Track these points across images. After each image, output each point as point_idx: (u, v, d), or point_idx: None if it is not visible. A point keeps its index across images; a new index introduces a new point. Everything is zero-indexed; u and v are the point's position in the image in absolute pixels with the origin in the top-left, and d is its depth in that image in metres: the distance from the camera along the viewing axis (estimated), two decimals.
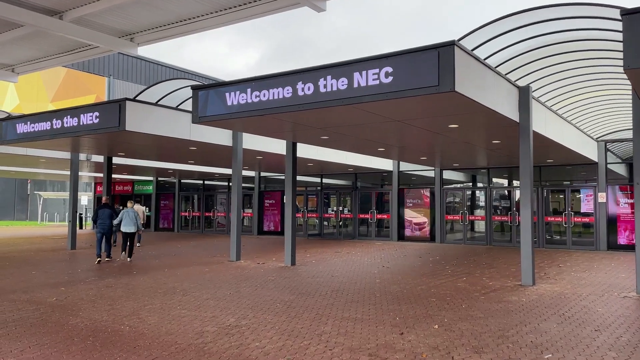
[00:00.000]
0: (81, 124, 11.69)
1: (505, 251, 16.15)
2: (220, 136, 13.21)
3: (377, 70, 7.64)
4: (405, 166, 20.49)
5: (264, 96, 8.82)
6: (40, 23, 9.74)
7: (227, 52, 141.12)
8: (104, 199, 14.27)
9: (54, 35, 11.22)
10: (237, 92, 9.18)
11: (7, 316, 6.96)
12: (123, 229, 13.58)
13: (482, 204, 19.22)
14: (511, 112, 9.15)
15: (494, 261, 13.30)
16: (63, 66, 38.32)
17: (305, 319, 6.71)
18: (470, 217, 19.01)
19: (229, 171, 23.10)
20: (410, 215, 20.16)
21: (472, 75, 7.54)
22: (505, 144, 12.20)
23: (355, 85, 7.84)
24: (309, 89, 8.32)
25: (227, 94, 9.32)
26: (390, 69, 7.52)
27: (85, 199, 33.79)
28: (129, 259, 13.71)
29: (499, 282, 9.84)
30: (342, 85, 7.96)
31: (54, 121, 12.26)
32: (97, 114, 11.43)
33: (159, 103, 12.15)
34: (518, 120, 9.47)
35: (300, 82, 8.42)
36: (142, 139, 12.19)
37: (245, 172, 23.62)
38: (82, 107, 11.76)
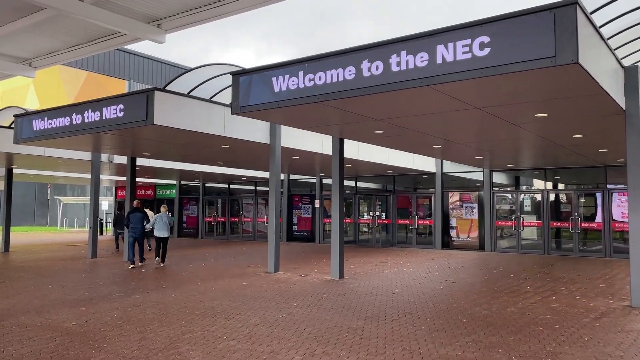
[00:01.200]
0: (104, 118, 10.36)
1: (572, 262, 14.41)
2: (257, 133, 11.79)
3: (468, 42, 6.12)
4: (449, 167, 18.86)
5: (320, 79, 7.36)
6: (60, 4, 8.47)
7: (253, 61, 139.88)
8: (135, 202, 13.88)
9: (74, 23, 9.96)
10: (287, 76, 7.73)
11: (15, 349, 5.57)
12: (156, 233, 13.38)
13: (528, 208, 17.46)
14: (618, 96, 7.55)
15: (571, 274, 11.61)
16: (83, 69, 37.56)
17: (392, 358, 5.19)
18: (524, 223, 17.26)
19: (255, 174, 21.74)
20: (456, 221, 18.50)
21: (590, 46, 5.97)
22: (587, 139, 10.55)
23: (439, 60, 6.33)
24: (377, 68, 6.83)
25: (274, 79, 7.88)
26: (486, 39, 5.98)
27: (105, 203, 32.76)
28: (162, 264, 13.47)
29: (599, 302, 8.19)
30: (422, 61, 6.46)
31: (74, 116, 10.96)
32: (121, 106, 10.09)
33: (190, 94, 10.78)
34: (624, 107, 7.85)
35: (366, 60, 6.94)
36: (171, 135, 10.81)
37: (267, 174, 22.21)
38: (105, 100, 10.43)
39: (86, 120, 10.70)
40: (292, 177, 23.02)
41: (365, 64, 6.96)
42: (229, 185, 25.46)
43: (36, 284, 10.33)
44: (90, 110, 10.66)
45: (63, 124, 11.17)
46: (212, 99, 11.46)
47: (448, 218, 18.70)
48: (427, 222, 19.16)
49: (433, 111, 7.89)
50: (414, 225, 19.32)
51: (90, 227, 15.87)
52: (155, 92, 9.63)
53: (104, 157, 16.47)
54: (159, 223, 13.36)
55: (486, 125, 9.05)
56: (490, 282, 10.44)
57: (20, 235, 29.49)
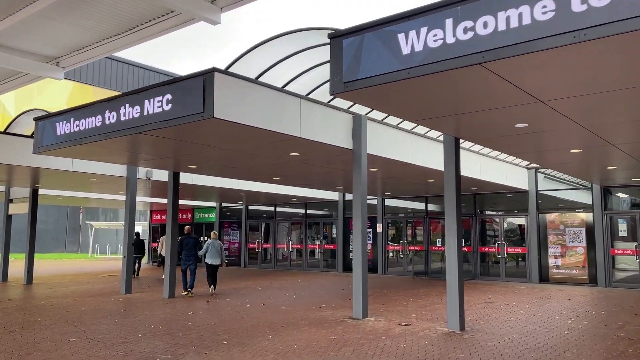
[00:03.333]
0: (145, 113, 7.84)
1: None
2: (338, 134, 9.10)
3: None
4: (544, 185, 15.79)
5: (485, 27, 4.68)
6: None
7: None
8: (186, 228, 13.44)
9: (108, 4, 7.59)
10: (424, 30, 5.06)
11: None
12: (208, 261, 12.70)
13: None
14: None
15: None
16: (117, 90, 36.07)
17: None
18: None
19: (308, 193, 19.03)
20: (559, 249, 15.28)
21: None
22: None
23: None
24: None
25: (401, 36, 5.22)
26: None
27: (139, 229, 30.52)
28: (213, 290, 12.93)
29: None
30: None
31: (107, 114, 8.50)
32: (169, 96, 7.55)
33: (259, 79, 8.16)
34: None
35: None
36: (232, 135, 8.17)
37: (321, 195, 19.51)
38: (148, 89, 7.93)
39: (122, 119, 8.21)
40: (347, 197, 20.21)
41: None
42: (275, 208, 22.81)
43: (54, 335, 7.71)
44: (127, 105, 8.17)
45: (94, 125, 8.71)
46: (285, 87, 8.84)
47: (547, 245, 15.50)
48: (520, 249, 15.98)
49: None
50: (501, 253, 16.17)
51: (124, 257, 13.36)
52: (216, 74, 7.06)
53: (141, 172, 14.05)
54: (211, 250, 12.71)
55: None
56: None
57: (49, 264, 27.44)
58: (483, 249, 16.67)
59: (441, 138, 12.30)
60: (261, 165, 11.42)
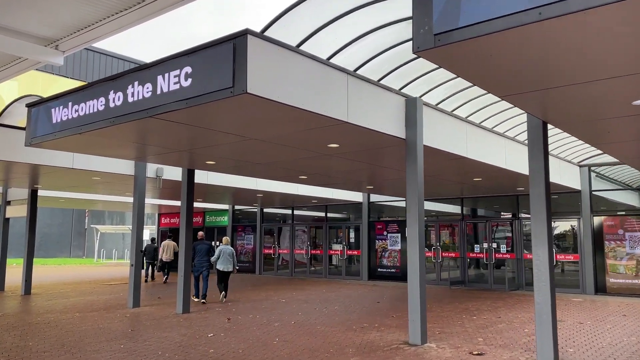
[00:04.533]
0: (158, 92, 6.31)
1: None
2: (389, 121, 7.53)
3: None
4: (599, 184, 14.16)
5: None
6: None
7: None
8: (200, 233, 13.01)
9: None
10: None
11: None
12: (219, 267, 12.21)
13: None
14: None
15: None
16: None
17: None
18: None
19: (330, 194, 17.45)
20: (617, 256, 13.62)
21: None
22: None
23: None
24: None
25: None
26: None
27: (146, 233, 29.09)
28: (224, 297, 12.37)
29: None
30: None
31: (111, 95, 6.98)
32: (188, 70, 6.01)
33: (301, 49, 6.58)
34: None
35: None
36: (266, 119, 6.62)
37: (343, 196, 17.92)
38: (162, 62, 6.40)
39: (130, 100, 6.69)
40: (372, 198, 18.63)
41: None
42: (292, 211, 21.24)
43: None
44: (136, 83, 6.64)
45: (96, 109, 7.19)
46: (330, 61, 7.25)
47: (602, 252, 13.85)
48: (570, 257, 14.33)
49: None
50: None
51: (132, 265, 11.85)
52: (249, 37, 5.51)
53: (150, 171, 12.52)
54: (222, 256, 12.20)
55: None
56: None
57: (52, 270, 26.00)
58: (527, 255, 15.01)
59: (497, 129, 10.72)
60: (289, 160, 9.85)
